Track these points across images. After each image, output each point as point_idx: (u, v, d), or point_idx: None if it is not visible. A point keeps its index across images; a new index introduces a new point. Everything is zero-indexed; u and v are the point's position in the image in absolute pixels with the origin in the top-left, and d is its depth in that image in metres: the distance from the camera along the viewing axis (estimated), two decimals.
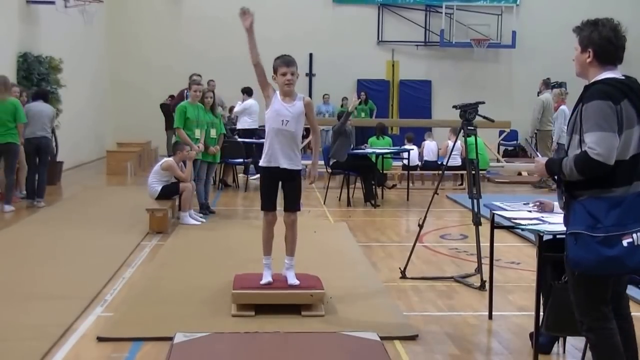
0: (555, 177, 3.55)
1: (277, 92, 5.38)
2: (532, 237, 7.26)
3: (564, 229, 3.59)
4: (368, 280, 6.33)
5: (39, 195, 10.25)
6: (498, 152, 16.99)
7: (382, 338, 4.58)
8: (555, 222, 4.28)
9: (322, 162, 11.98)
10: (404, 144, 13.66)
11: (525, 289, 6.04)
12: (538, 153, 3.73)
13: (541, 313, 4.17)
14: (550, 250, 4.13)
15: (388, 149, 12.62)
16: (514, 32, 19.63)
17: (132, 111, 19.41)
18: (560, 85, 13.88)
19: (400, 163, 13.48)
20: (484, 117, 6.63)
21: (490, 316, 5.28)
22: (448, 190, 12.56)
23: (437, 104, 20.22)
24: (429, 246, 7.86)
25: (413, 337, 4.79)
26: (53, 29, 14.14)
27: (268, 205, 5.42)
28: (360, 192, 11.27)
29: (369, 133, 14.43)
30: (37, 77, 12.54)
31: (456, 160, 12.30)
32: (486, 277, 5.82)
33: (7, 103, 9.69)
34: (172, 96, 17.48)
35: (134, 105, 19.40)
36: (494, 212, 4.95)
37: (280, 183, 5.43)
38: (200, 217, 9.24)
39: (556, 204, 4.70)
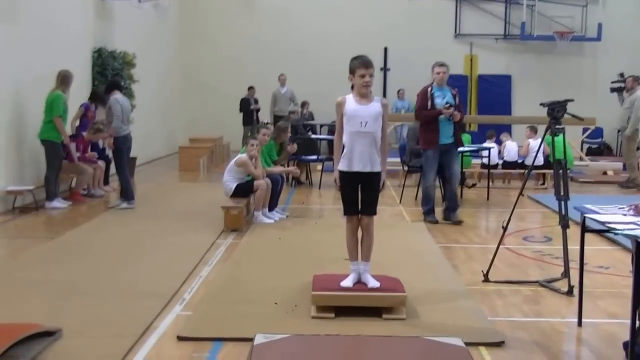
0: None
1: (350, 95, 5.29)
2: (623, 240, 6.95)
3: None
4: (449, 282, 6.16)
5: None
6: (581, 150, 16.42)
7: (466, 344, 4.41)
8: None
9: (398, 160, 11.80)
10: (484, 142, 13.31)
11: (616, 295, 5.76)
12: None
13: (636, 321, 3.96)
14: None
15: (468, 146, 12.26)
16: (599, 25, 18.90)
17: (203, 106, 19.63)
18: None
19: (479, 161, 13.14)
20: (573, 116, 6.33)
21: (579, 323, 5.03)
22: (529, 190, 12.14)
23: (518, 99, 19.72)
24: (512, 248, 7.60)
25: (499, 344, 4.61)
26: (127, 24, 14.39)
27: (350, 210, 5.32)
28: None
29: None
30: (111, 72, 12.73)
31: (539, 159, 11.92)
32: (574, 281, 5.59)
33: (48, 96, 9.63)
34: (251, 88, 17.64)
35: (206, 100, 19.63)
36: (586, 215, 4.72)
37: (360, 186, 5.30)
38: (276, 214, 9.17)
39: None
